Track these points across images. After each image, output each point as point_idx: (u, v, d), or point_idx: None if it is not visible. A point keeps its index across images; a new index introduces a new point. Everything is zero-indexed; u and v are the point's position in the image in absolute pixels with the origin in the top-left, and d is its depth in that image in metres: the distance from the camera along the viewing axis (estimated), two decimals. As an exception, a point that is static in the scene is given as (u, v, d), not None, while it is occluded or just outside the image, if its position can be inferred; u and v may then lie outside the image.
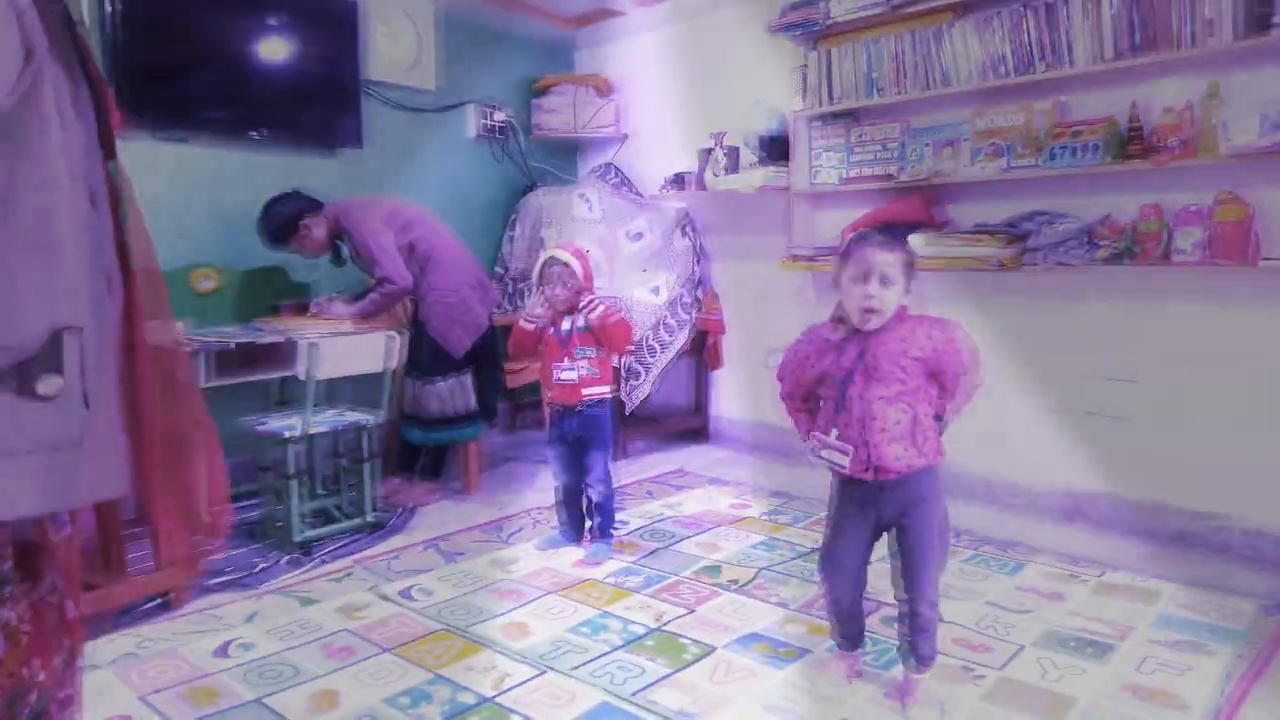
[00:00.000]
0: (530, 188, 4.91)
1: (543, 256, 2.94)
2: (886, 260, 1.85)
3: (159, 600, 2.55)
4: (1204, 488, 3.02)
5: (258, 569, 2.87)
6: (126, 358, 1.08)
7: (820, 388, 1.99)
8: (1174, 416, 3.09)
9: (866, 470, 1.90)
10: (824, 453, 1.96)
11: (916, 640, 1.97)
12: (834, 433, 1.93)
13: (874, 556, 2.05)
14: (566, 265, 2.86)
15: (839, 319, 1.96)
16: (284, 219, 3.41)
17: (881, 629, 2.32)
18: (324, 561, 2.94)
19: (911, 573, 1.95)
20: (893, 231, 3.59)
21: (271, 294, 3.75)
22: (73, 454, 0.95)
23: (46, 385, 0.92)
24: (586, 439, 2.95)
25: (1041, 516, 3.39)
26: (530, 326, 2.92)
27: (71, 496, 0.97)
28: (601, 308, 2.90)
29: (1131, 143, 3.03)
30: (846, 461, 1.90)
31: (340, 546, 3.08)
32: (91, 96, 1.02)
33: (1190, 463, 3.06)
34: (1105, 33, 3.04)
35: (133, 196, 1.09)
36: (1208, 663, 2.18)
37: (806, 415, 2.07)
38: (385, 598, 2.63)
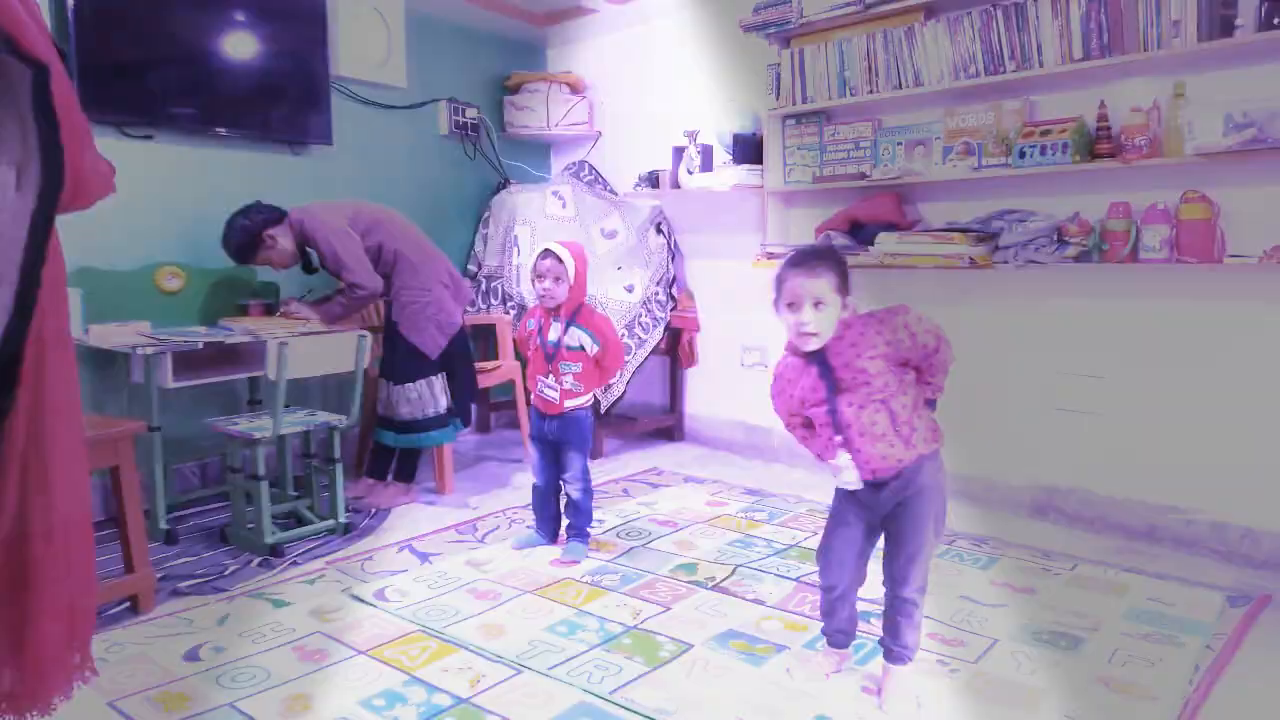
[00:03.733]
0: (502, 185, 4.88)
1: (538, 249, 2.86)
2: (813, 287, 1.85)
3: (126, 603, 2.50)
4: (1172, 482, 3.07)
5: (228, 571, 2.83)
6: None
7: (805, 409, 1.99)
8: (1142, 412, 3.14)
9: (865, 475, 1.91)
10: (845, 479, 1.95)
11: (902, 628, 1.97)
12: (843, 456, 1.93)
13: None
14: (560, 260, 2.80)
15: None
16: (247, 233, 3.34)
17: (860, 624, 2.33)
18: (296, 563, 2.90)
19: (904, 559, 1.95)
20: (865, 230, 3.65)
21: (239, 294, 3.69)
22: None
23: None
24: (565, 440, 2.93)
25: (1014, 511, 3.43)
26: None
27: None
28: (614, 345, 2.88)
29: (1100, 142, 3.07)
30: (855, 477, 1.92)
31: (312, 548, 3.04)
32: None
33: (1158, 457, 3.11)
34: (1073, 34, 3.07)
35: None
36: (1176, 654, 2.22)
37: (813, 437, 2.05)
38: (359, 599, 2.60)
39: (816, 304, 1.85)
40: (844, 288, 1.89)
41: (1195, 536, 3.02)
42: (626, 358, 4.25)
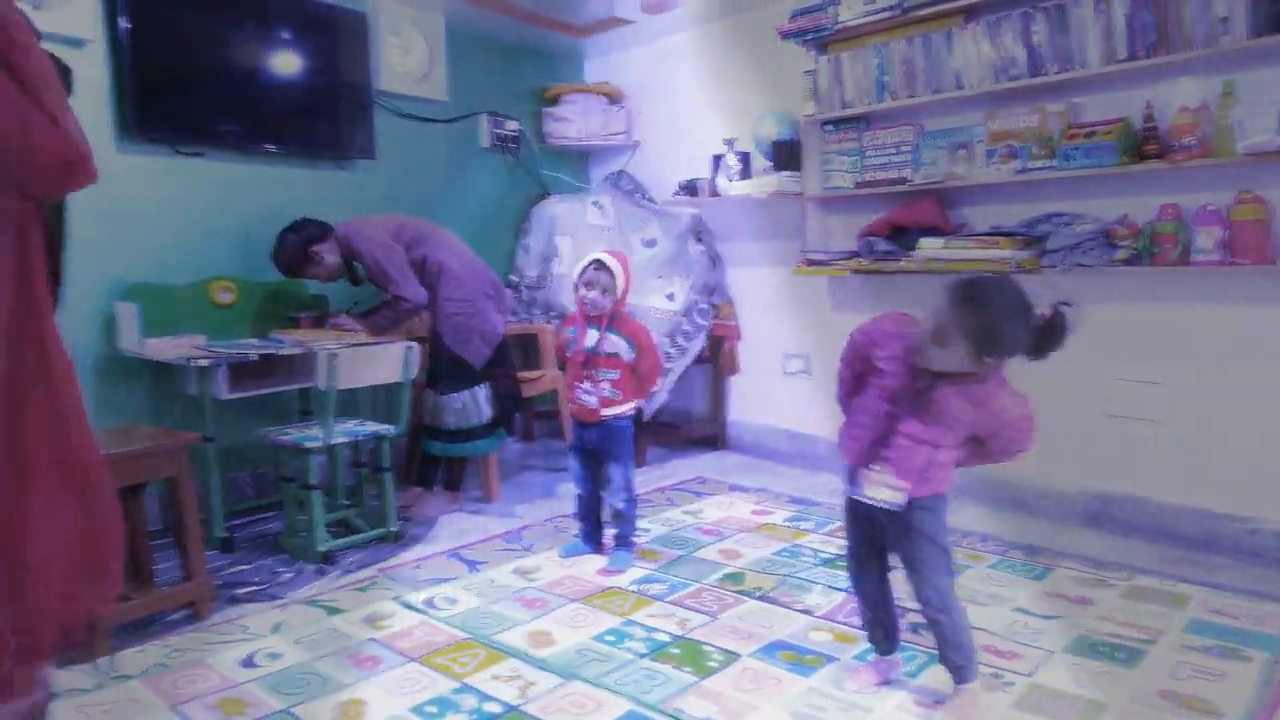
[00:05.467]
0: (542, 196, 4.92)
1: (587, 259, 2.87)
2: (947, 328, 1.73)
3: (186, 610, 2.56)
4: (1233, 490, 3.00)
5: (283, 579, 2.88)
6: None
7: (870, 378, 1.95)
8: (1200, 418, 3.07)
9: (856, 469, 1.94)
10: (875, 492, 1.90)
11: (941, 648, 1.97)
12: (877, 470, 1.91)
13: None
14: (610, 273, 2.83)
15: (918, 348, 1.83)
16: (296, 248, 3.43)
17: (909, 636, 2.31)
18: (347, 571, 2.95)
19: (913, 578, 1.96)
20: (907, 235, 3.62)
21: (289, 306, 3.76)
22: None
23: None
24: (606, 450, 2.95)
25: (1067, 520, 3.37)
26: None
27: None
28: (650, 352, 2.90)
29: (1146, 143, 3.02)
30: (889, 495, 1.89)
31: (363, 556, 3.08)
32: None
33: (1218, 465, 3.04)
34: (1117, 34, 3.03)
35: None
36: (1242, 668, 2.16)
37: (850, 386, 2.03)
38: (409, 607, 2.63)
39: (939, 339, 1.75)
40: (984, 347, 1.73)
41: (1259, 546, 2.94)
42: (668, 366, 4.27)
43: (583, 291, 2.85)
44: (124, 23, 3.23)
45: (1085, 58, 3.12)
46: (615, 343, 2.87)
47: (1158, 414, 3.17)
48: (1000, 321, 1.72)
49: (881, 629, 2.11)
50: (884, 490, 1.88)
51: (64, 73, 1.08)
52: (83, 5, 3.17)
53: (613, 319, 2.89)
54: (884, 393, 1.90)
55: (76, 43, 3.16)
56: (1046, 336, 1.76)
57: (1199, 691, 2.05)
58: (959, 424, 1.83)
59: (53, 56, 1.06)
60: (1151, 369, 3.18)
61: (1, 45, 0.97)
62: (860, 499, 1.93)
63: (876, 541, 2.03)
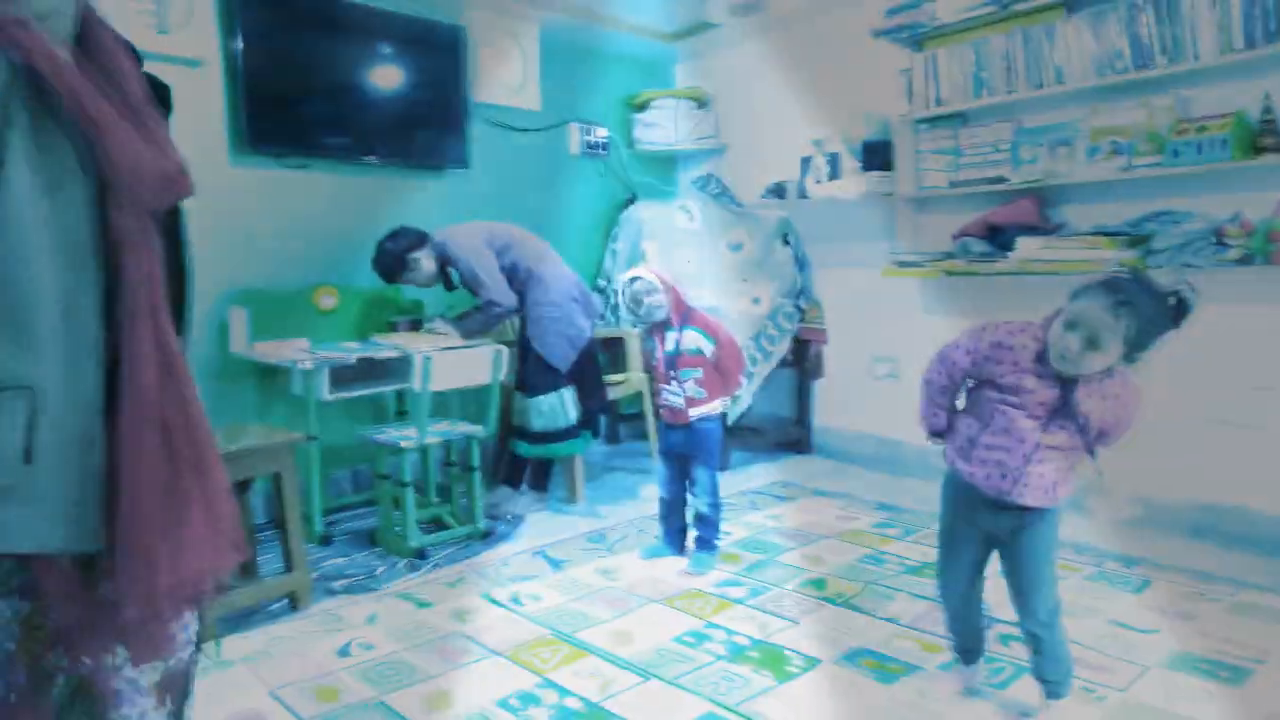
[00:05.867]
0: (631, 201, 4.97)
1: (620, 283, 2.99)
2: (1108, 325, 1.68)
3: (286, 600, 2.70)
4: (1353, 503, 2.81)
5: (377, 572, 3.00)
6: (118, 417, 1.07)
7: (982, 389, 1.91)
8: (1317, 426, 2.89)
9: (1002, 492, 1.85)
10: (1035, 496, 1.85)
11: (1037, 662, 1.93)
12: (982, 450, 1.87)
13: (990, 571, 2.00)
14: (642, 278, 2.90)
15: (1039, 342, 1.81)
16: (394, 256, 3.57)
17: (997, 647, 2.25)
18: (438, 566, 3.05)
19: (1023, 588, 1.90)
20: (1004, 235, 3.52)
21: (387, 311, 3.92)
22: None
23: None
24: (693, 454, 2.97)
25: (1169, 531, 3.21)
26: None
27: None
28: (729, 344, 2.92)
29: (1264, 136, 2.86)
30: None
31: (453, 552, 3.18)
32: (87, 146, 1.02)
33: (1336, 476, 2.85)
34: (1234, 21, 2.88)
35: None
36: (1358, 691, 2.04)
37: (941, 402, 1.98)
38: (495, 602, 2.71)
39: (1092, 343, 1.70)
40: (1139, 345, 1.71)
41: (1382, 563, 2.75)
42: (753, 369, 4.25)
43: (638, 310, 2.92)
44: (238, 44, 3.43)
45: (1197, 49, 2.97)
46: (695, 339, 2.90)
47: (1269, 422, 2.99)
48: (1156, 321, 1.70)
49: (969, 639, 2.06)
50: (1061, 489, 1.84)
51: (163, 90, 1.17)
52: (202, 27, 3.38)
53: (685, 316, 2.91)
54: (1021, 407, 1.82)
55: (194, 63, 3.37)
56: (1175, 320, 1.73)
57: (1311, 717, 1.94)
58: (1095, 422, 1.79)
59: (151, 77, 1.15)
60: (1262, 374, 3.00)
61: (113, 74, 1.07)
62: (1017, 503, 1.84)
63: (979, 553, 1.98)
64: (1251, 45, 2.85)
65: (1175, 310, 1.71)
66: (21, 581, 1.04)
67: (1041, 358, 1.78)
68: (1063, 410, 1.78)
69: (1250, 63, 2.89)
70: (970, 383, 1.95)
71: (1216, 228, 2.97)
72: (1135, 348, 1.71)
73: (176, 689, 1.21)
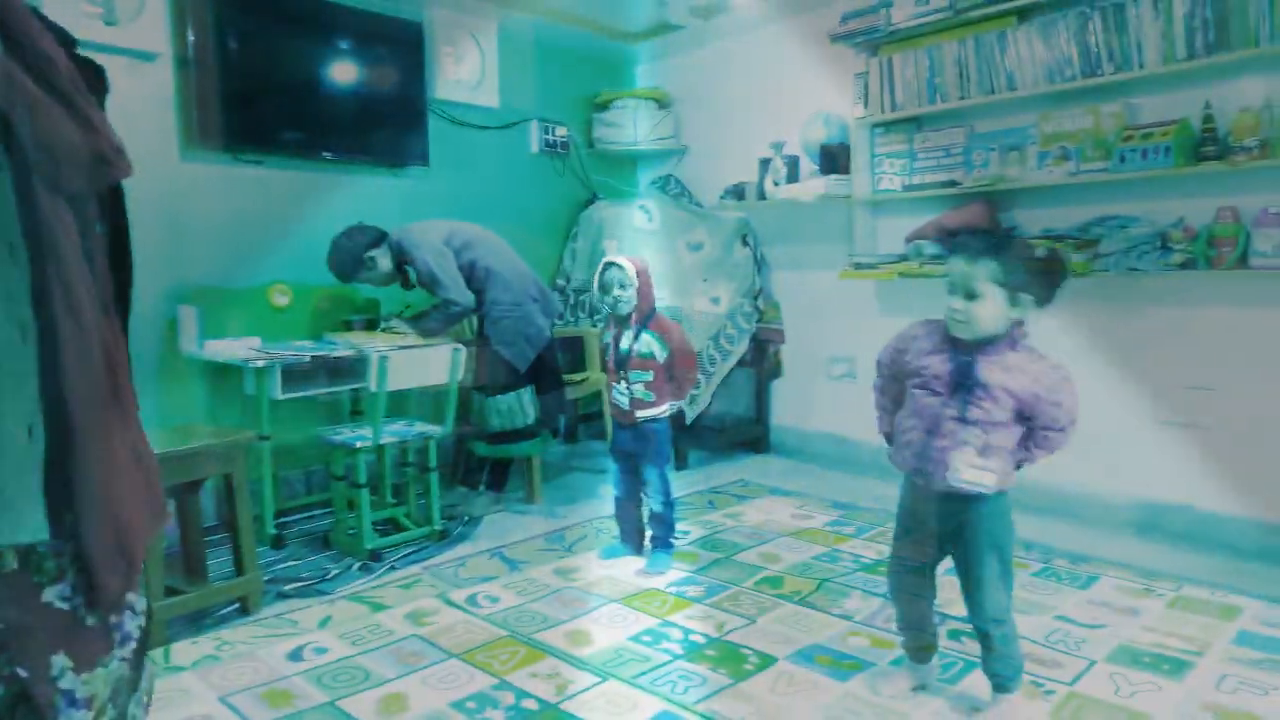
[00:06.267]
0: (591, 201, 4.97)
1: (601, 263, 2.97)
2: (968, 274, 1.79)
3: (236, 604, 2.65)
4: (1288, 500, 2.91)
5: (330, 575, 2.96)
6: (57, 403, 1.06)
7: (906, 382, 1.97)
8: (1255, 426, 2.98)
9: (924, 473, 1.90)
10: (965, 472, 1.87)
11: (986, 658, 1.96)
12: (958, 455, 1.89)
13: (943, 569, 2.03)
14: (621, 268, 2.89)
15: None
16: (350, 254, 3.52)
17: (949, 642, 2.29)
18: (393, 568, 3.02)
19: (970, 586, 1.94)
20: (955, 239, 3.58)
21: (342, 310, 3.87)
22: None
23: None
24: (640, 452, 2.97)
25: (1114, 529, 3.30)
26: None
27: None
28: (683, 352, 2.92)
29: (1205, 144, 2.94)
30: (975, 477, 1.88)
31: (409, 554, 3.15)
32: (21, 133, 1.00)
33: (1274, 473, 2.95)
34: (1177, 32, 2.96)
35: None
36: (1292, 682, 2.10)
37: (886, 404, 2.08)
38: (452, 604, 2.69)
39: (969, 294, 1.80)
40: (1017, 282, 1.79)
41: (1316, 558, 2.85)
42: (711, 369, 4.27)
43: (607, 297, 2.92)
44: (190, 37, 3.36)
45: (1143, 58, 3.05)
46: (649, 342, 2.90)
47: (1211, 421, 3.08)
48: (1018, 259, 1.81)
49: (920, 637, 2.09)
50: (970, 471, 1.85)
51: (96, 70, 1.16)
52: (153, 21, 3.30)
53: (646, 320, 2.92)
54: (924, 387, 1.90)
55: (147, 56, 3.30)
56: (1051, 276, 1.83)
57: (1246, 705, 2.00)
58: (1002, 394, 1.82)
59: (82, 58, 1.14)
60: (1205, 375, 3.09)
61: (38, 56, 1.05)
62: (950, 486, 1.86)
63: (929, 549, 2.01)
64: (1192, 56, 2.93)
65: (1048, 268, 1.83)
66: None
67: (945, 338, 1.88)
68: (965, 385, 1.83)
69: (1192, 72, 2.98)
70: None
71: (1161, 232, 3.05)
72: (1012, 288, 1.79)
73: (121, 694, 1.19)
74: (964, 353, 1.85)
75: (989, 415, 1.83)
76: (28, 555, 1.05)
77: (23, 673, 1.06)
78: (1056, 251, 1.84)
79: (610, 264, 2.92)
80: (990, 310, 1.80)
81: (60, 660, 1.09)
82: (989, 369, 1.83)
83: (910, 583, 2.05)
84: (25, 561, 1.05)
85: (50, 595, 1.07)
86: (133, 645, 1.19)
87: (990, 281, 1.79)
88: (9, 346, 1.03)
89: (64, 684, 1.10)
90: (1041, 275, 1.82)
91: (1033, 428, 1.87)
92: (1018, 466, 1.93)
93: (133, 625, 1.18)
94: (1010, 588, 1.95)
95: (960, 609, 2.05)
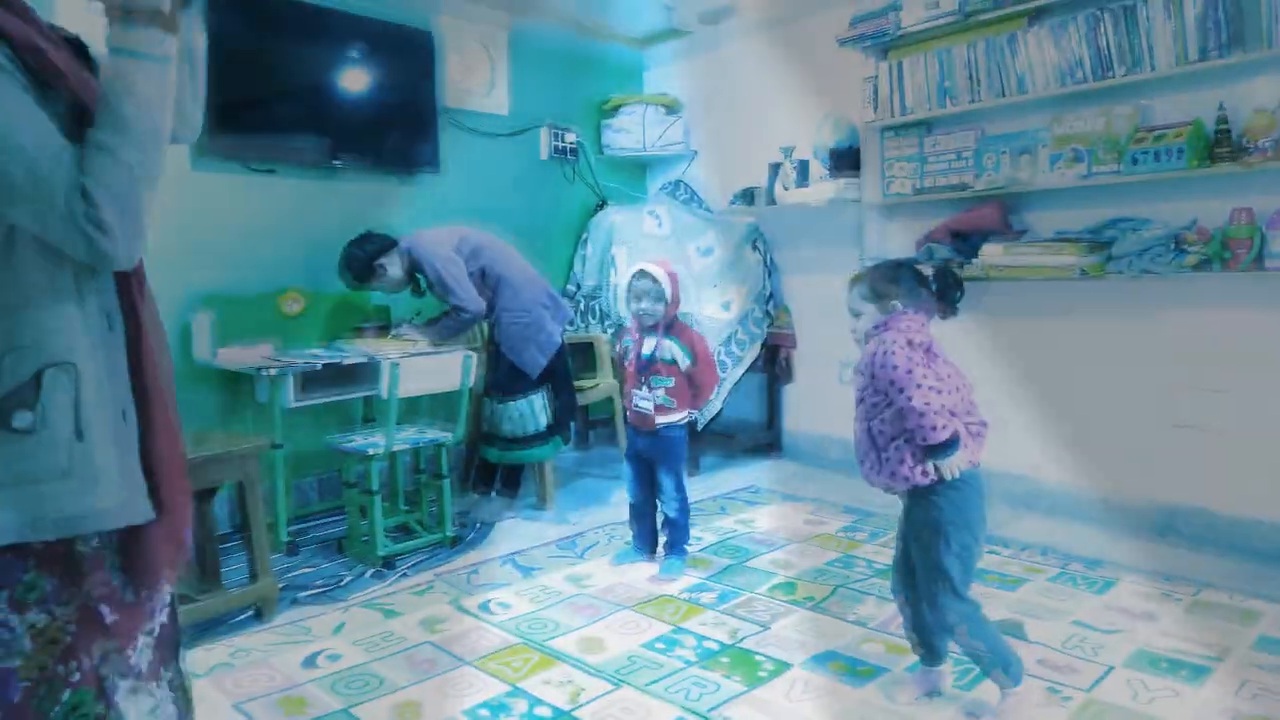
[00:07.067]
0: (600, 206, 4.97)
1: (632, 270, 2.94)
2: (851, 300, 2.06)
3: (251, 611, 2.66)
4: (1307, 503, 2.88)
5: (344, 582, 2.97)
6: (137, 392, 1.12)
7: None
8: (1272, 427, 2.96)
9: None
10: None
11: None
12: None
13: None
14: (655, 280, 2.87)
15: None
16: (361, 261, 3.53)
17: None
18: (406, 575, 3.02)
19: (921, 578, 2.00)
20: (968, 241, 3.57)
21: (354, 316, 3.88)
22: (60, 484, 1.02)
23: (20, 420, 1.00)
24: (658, 459, 2.97)
25: (1131, 532, 3.27)
26: None
27: (58, 526, 1.03)
28: (707, 361, 2.93)
29: (1219, 145, 2.93)
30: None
31: (421, 560, 3.16)
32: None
33: (1291, 477, 2.92)
34: (1189, 33, 2.94)
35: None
36: (1313, 688, 2.08)
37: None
38: (465, 611, 2.69)
39: (856, 314, 2.05)
40: (876, 294, 2.00)
41: (1336, 562, 2.82)
42: (722, 375, 4.26)
43: (634, 305, 2.89)
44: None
45: (1155, 59, 3.03)
46: (672, 349, 2.90)
47: (1227, 424, 3.06)
48: (879, 273, 2.05)
49: (923, 640, 2.08)
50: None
51: (78, 43, 1.23)
52: (162, 30, 3.32)
53: (669, 326, 2.91)
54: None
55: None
56: (944, 286, 2.01)
57: (1267, 711, 1.98)
58: (858, 378, 2.00)
59: (60, 30, 1.19)
60: (1221, 377, 3.06)
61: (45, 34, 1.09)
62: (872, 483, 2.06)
63: (909, 550, 2.04)
64: (1205, 57, 2.91)
65: (940, 278, 2.02)
66: (40, 594, 1.04)
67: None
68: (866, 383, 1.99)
69: (1205, 73, 2.96)
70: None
71: (1175, 234, 3.03)
72: (879, 291, 2.01)
73: (167, 659, 1.23)
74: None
75: (867, 405, 2.02)
76: (107, 535, 1.09)
77: (91, 660, 1.08)
78: (950, 268, 2.12)
79: (643, 273, 2.89)
80: (868, 320, 2.03)
81: (115, 661, 1.12)
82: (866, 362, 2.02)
83: (899, 583, 2.08)
84: (105, 541, 1.10)
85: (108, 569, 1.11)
86: (167, 609, 1.22)
87: (862, 300, 2.04)
88: (101, 334, 1.08)
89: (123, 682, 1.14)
90: (939, 290, 2.02)
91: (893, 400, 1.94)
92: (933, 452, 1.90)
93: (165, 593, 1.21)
94: (952, 593, 1.92)
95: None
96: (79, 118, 1.04)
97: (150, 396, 1.12)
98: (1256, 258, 2.86)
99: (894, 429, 1.93)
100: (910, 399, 1.85)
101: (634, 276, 2.91)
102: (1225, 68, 2.90)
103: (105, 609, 1.09)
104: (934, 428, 1.85)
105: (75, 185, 0.98)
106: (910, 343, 1.91)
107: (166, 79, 1.08)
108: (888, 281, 2.01)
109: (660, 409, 2.92)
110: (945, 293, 2.01)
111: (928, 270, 2.07)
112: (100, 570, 1.09)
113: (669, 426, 2.94)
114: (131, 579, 1.12)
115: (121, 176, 1.01)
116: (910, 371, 1.86)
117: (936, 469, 1.90)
